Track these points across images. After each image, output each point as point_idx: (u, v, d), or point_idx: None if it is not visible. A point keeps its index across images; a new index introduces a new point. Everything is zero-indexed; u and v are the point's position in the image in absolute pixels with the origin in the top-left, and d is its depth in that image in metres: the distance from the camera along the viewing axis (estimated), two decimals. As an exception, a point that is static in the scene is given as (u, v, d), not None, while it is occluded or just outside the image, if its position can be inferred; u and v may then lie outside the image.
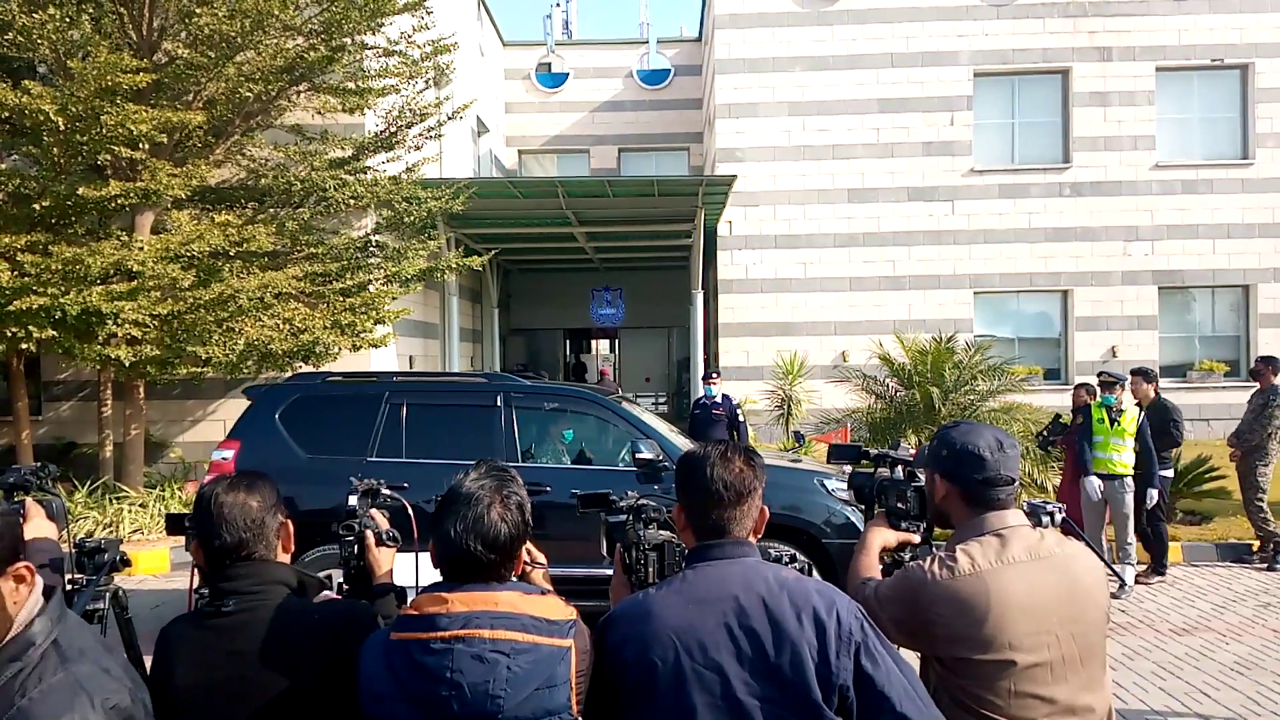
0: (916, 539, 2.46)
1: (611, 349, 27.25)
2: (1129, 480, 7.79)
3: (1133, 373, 8.75)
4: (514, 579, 1.89)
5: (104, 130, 9.01)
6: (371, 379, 7.44)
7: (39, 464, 2.78)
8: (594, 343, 27.70)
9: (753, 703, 1.75)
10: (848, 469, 6.09)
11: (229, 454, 6.55)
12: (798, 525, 6.24)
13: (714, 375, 10.92)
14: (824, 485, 6.48)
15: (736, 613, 1.80)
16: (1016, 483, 2.20)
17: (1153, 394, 8.61)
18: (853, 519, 6.25)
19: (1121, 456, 7.80)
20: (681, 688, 1.78)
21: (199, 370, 10.38)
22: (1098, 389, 8.15)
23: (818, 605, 1.80)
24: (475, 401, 6.77)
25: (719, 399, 10.64)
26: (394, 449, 6.43)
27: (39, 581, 1.61)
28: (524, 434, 6.68)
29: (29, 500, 2.61)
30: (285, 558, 2.12)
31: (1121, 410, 7.86)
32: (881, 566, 2.42)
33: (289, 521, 2.13)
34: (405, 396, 6.69)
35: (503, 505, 1.84)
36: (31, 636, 1.55)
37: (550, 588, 2.14)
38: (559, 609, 1.84)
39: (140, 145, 9.42)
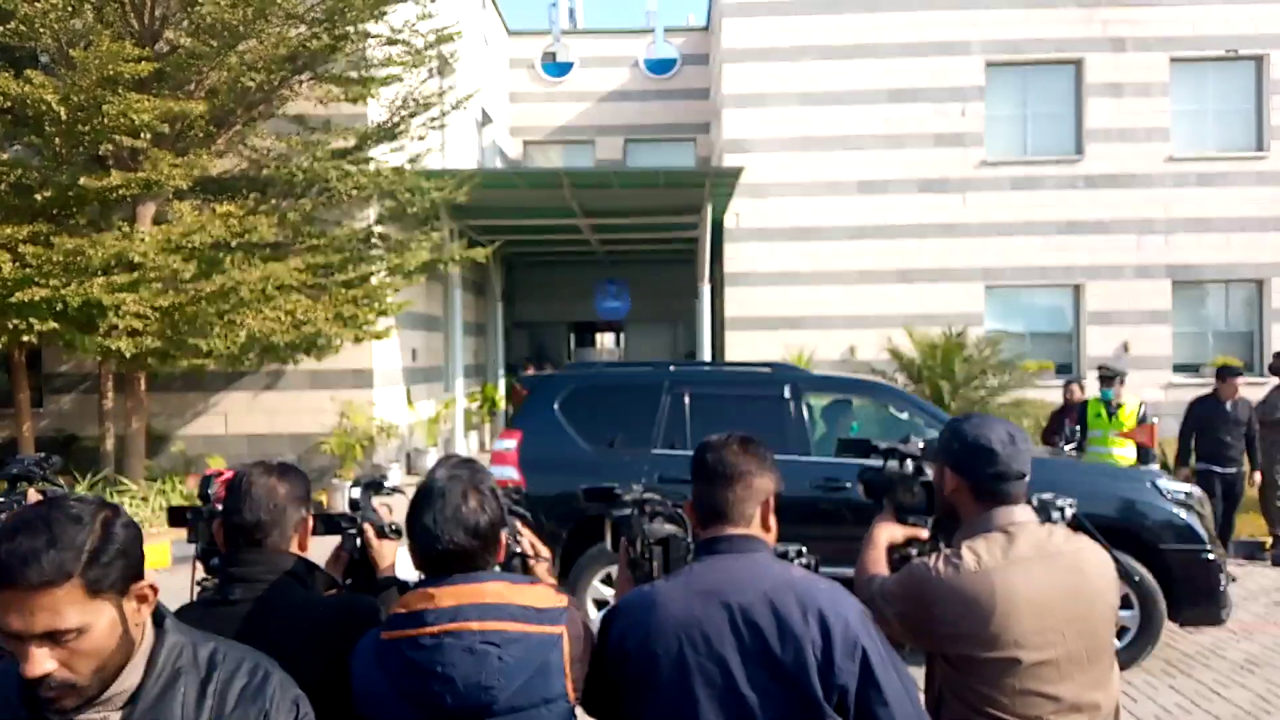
0: (924, 534, 2.45)
1: (617, 342, 27.22)
2: None
3: (1220, 373, 8.57)
4: (497, 567, 1.89)
5: (106, 120, 9.00)
6: (647, 368, 7.31)
7: (42, 455, 2.83)
8: (599, 336, 27.68)
9: (754, 696, 1.77)
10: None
11: (511, 444, 6.37)
12: (1131, 530, 5.67)
13: None
14: (1156, 485, 5.95)
15: (741, 607, 1.81)
16: (1027, 477, 2.18)
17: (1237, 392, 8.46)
18: (1192, 523, 5.73)
19: (1122, 450, 7.79)
20: (684, 679, 1.80)
21: (200, 362, 10.37)
22: (1097, 383, 8.13)
23: (824, 605, 1.80)
24: (762, 392, 6.50)
25: None
26: (679, 440, 6.23)
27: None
28: (815, 426, 6.47)
29: (31, 491, 2.63)
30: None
31: (1120, 404, 7.86)
32: (890, 562, 2.41)
33: (311, 519, 2.18)
34: (687, 386, 6.46)
35: (478, 493, 1.85)
36: (179, 642, 1.54)
37: (554, 581, 2.17)
38: (548, 597, 1.85)
39: (142, 135, 9.42)
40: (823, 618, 1.78)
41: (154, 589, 1.47)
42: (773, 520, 1.99)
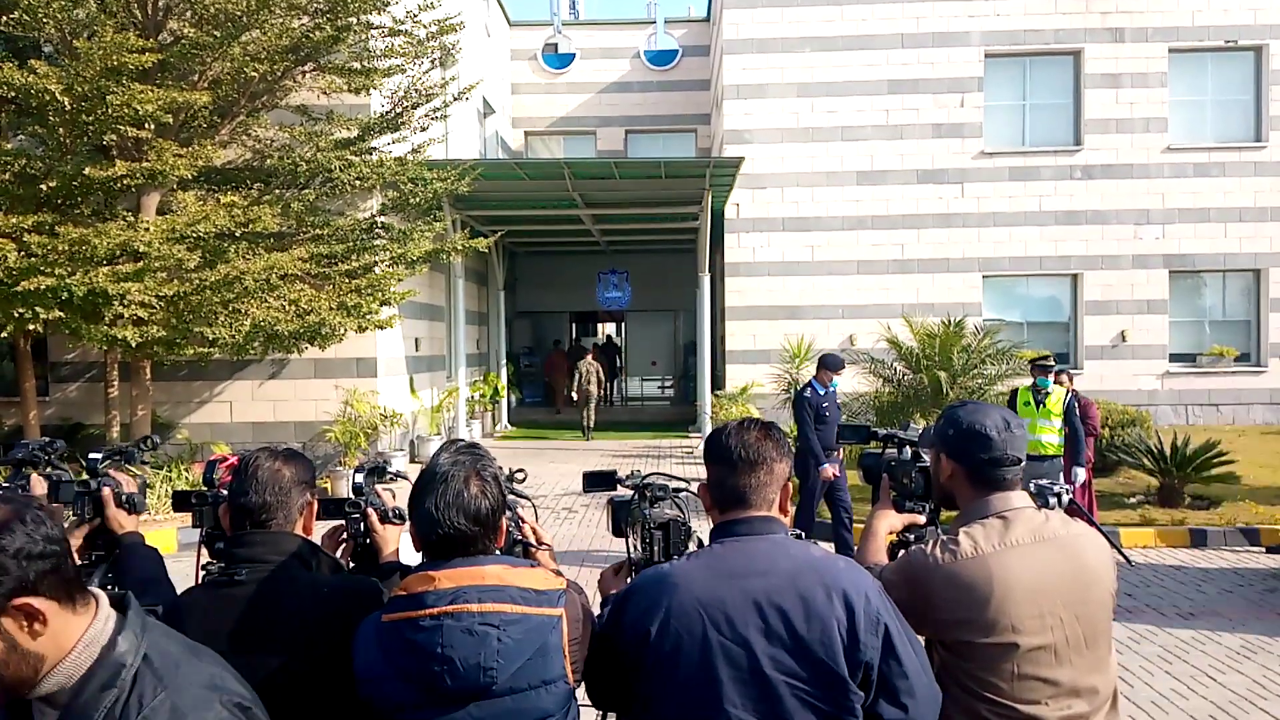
0: (922, 519, 2.45)
1: (618, 332, 27.24)
2: (1058, 461, 8.07)
3: None
4: (498, 551, 1.90)
5: (110, 110, 8.99)
6: None
7: (47, 440, 2.77)
8: (600, 326, 27.70)
9: (779, 678, 1.76)
10: None
11: None
12: None
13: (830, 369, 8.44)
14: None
15: (765, 589, 1.80)
16: (1022, 463, 2.18)
17: None
18: None
19: (1049, 437, 8.07)
20: (707, 661, 1.79)
21: (205, 351, 10.40)
22: (1036, 372, 8.32)
23: (846, 584, 1.81)
24: None
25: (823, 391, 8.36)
26: None
27: (102, 599, 1.46)
28: None
29: (35, 476, 2.60)
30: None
31: (1048, 393, 8.06)
32: (887, 549, 2.42)
33: (315, 503, 2.18)
34: None
35: (479, 479, 1.85)
36: (120, 658, 1.39)
37: (557, 567, 2.15)
38: (547, 579, 1.85)
39: (146, 125, 9.42)
40: (846, 596, 1.79)
41: (42, 613, 1.34)
42: (789, 505, 2.00)
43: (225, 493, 2.34)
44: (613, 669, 1.89)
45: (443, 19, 11.88)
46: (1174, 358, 17.11)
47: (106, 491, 2.46)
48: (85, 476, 2.53)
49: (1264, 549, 8.56)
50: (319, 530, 2.29)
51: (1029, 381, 8.46)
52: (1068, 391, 8.31)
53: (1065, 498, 2.39)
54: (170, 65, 9.93)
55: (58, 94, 8.82)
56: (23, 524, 1.33)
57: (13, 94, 9.24)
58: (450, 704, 1.73)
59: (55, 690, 1.36)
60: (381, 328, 11.62)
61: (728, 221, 17.47)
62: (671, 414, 21.59)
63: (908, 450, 2.54)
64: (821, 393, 8.21)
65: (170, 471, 10.69)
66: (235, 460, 2.42)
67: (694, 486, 2.38)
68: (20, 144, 10.31)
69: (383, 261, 11.59)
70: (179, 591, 2.10)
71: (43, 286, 8.81)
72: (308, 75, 11.16)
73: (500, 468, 2.00)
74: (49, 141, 9.75)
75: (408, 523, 1.92)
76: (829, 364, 8.31)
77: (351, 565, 2.44)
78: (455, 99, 12.67)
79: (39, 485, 2.58)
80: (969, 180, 17.15)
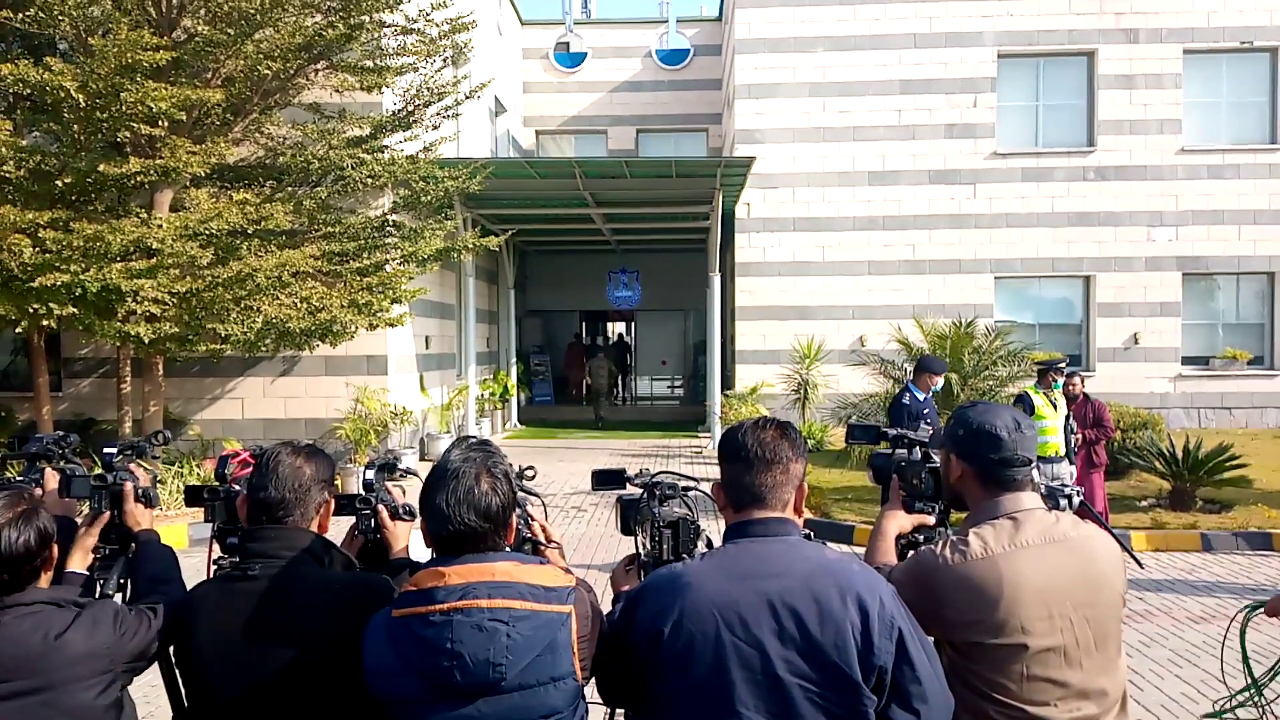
0: (931, 520, 2.45)
1: (628, 331, 27.25)
2: (1064, 462, 8.19)
3: None
4: (508, 548, 1.90)
5: (124, 107, 9.05)
6: None
7: (61, 434, 2.79)
8: (610, 325, 27.72)
9: (792, 680, 1.76)
10: None
11: None
12: None
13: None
14: None
15: (780, 590, 1.80)
16: (1033, 464, 2.17)
17: None
18: None
19: (1058, 438, 8.15)
20: (720, 662, 1.78)
21: (217, 348, 10.46)
22: (1046, 375, 8.42)
23: (861, 587, 1.81)
24: None
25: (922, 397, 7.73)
26: None
27: None
28: None
29: (49, 470, 2.63)
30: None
31: (1056, 395, 8.21)
32: (898, 550, 2.41)
33: (332, 502, 2.19)
34: None
35: (490, 476, 1.86)
36: None
37: (566, 565, 2.15)
38: (557, 576, 1.85)
39: (160, 122, 9.48)
40: (860, 599, 1.79)
41: None
42: (803, 505, 1.99)
43: (237, 488, 2.37)
44: (624, 667, 1.88)
45: (455, 18, 11.92)
46: (1186, 360, 17.02)
47: (128, 486, 2.47)
48: (100, 471, 2.53)
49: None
50: (339, 529, 2.29)
51: (1032, 382, 8.53)
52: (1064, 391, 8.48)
53: (1076, 499, 2.38)
54: (184, 63, 9.98)
55: (72, 91, 8.88)
56: None
57: (28, 91, 9.31)
58: (459, 699, 1.74)
59: None
60: (392, 325, 11.67)
61: (738, 221, 17.46)
62: (681, 413, 21.59)
63: (917, 451, 2.54)
64: (921, 398, 7.58)
65: (182, 467, 10.75)
66: (247, 456, 2.44)
67: (704, 485, 2.37)
68: (35, 140, 10.37)
69: (394, 259, 11.63)
70: (191, 587, 2.11)
71: (57, 282, 8.88)
72: (320, 73, 11.21)
73: (510, 465, 2.01)
74: (64, 138, 9.81)
75: (418, 519, 1.92)
76: (932, 367, 7.61)
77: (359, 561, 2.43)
78: (467, 98, 12.70)
79: (52, 479, 2.61)
80: (981, 181, 17.09)
